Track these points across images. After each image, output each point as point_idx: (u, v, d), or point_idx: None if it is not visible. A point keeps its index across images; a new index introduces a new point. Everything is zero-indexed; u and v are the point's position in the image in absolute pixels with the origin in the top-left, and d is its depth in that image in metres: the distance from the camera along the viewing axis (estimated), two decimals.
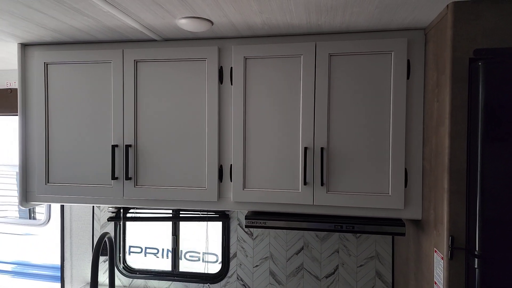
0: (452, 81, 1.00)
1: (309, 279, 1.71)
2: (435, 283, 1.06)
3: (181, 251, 2.63)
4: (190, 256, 2.68)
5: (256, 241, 1.75)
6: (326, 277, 1.69)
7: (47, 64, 1.44)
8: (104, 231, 1.46)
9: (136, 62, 1.39)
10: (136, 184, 1.39)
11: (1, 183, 3.57)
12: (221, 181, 1.38)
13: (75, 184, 1.42)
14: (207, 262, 1.93)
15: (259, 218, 1.35)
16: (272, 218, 1.34)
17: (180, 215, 1.85)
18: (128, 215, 1.88)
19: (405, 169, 1.24)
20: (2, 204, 3.54)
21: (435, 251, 1.07)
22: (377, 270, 1.64)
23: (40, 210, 3.49)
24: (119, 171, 1.38)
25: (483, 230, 0.91)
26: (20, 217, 3.36)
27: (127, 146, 1.37)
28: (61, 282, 1.91)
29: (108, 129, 1.41)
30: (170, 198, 1.38)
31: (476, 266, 0.90)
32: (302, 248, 1.71)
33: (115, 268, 1.88)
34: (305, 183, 1.28)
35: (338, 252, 1.68)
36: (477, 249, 0.91)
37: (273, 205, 1.35)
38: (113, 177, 1.37)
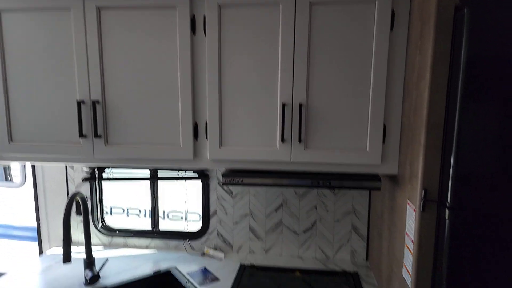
0: (435, 31, 0.95)
1: (287, 234, 1.75)
2: (407, 234, 1.09)
3: (164, 211, 2.63)
4: (172, 216, 2.69)
5: (236, 199, 1.76)
6: (304, 232, 1.73)
7: (0, 12, 1.29)
8: (80, 191, 1.41)
9: (99, 9, 1.26)
10: (106, 142, 1.33)
11: None
12: (196, 139, 1.33)
13: (41, 143, 1.34)
14: (187, 220, 1.94)
15: (236, 175, 1.33)
16: (249, 175, 1.32)
17: (158, 175, 1.82)
18: (104, 175, 1.83)
19: (384, 125, 1.22)
20: None
21: (408, 204, 1.08)
22: (353, 224, 1.69)
23: (16, 172, 3.39)
24: (87, 128, 1.31)
25: (455, 184, 0.92)
26: None
27: (94, 102, 1.29)
28: (38, 243, 1.89)
29: (73, 84, 1.31)
30: (144, 157, 1.33)
31: (446, 217, 0.92)
32: (281, 205, 1.73)
33: (94, 227, 1.87)
34: (282, 140, 1.25)
35: (316, 208, 1.71)
36: (448, 201, 0.92)
37: (251, 163, 1.32)
38: (81, 135, 1.30)
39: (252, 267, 1.63)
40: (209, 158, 1.32)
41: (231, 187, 1.75)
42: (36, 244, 1.92)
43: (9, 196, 3.15)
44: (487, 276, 0.91)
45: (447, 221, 0.93)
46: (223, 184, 1.32)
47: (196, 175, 1.77)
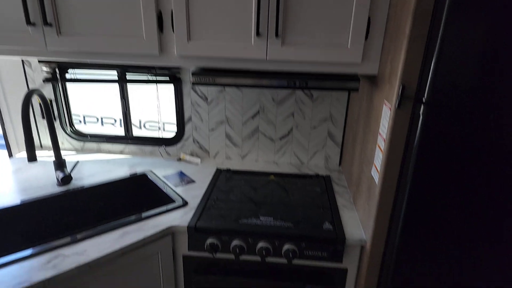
0: None
1: (264, 140, 1.74)
2: (380, 134, 1.07)
3: (140, 120, 2.56)
4: (150, 125, 2.64)
5: (211, 106, 1.69)
6: (280, 139, 1.73)
7: None
8: (38, 89, 1.30)
9: None
10: (59, 32, 1.17)
11: None
12: (162, 32, 1.19)
13: None
14: (165, 130, 1.90)
15: (208, 74, 1.24)
16: (222, 74, 1.23)
17: (127, 78, 1.70)
18: (68, 76, 1.70)
19: (369, 18, 1.10)
20: None
21: (385, 103, 1.04)
22: (329, 131, 1.69)
23: None
24: (35, 15, 1.14)
25: (434, 79, 0.87)
26: None
27: None
28: (7, 148, 1.84)
29: None
30: (103, 51, 1.20)
31: (421, 113, 0.89)
32: (258, 112, 1.68)
33: (64, 132, 1.81)
34: (258, 33, 1.13)
35: (293, 115, 1.67)
36: (425, 96, 0.88)
37: (223, 61, 1.22)
38: (28, 22, 1.13)
39: (228, 171, 1.65)
40: (176, 54, 1.20)
41: (205, 92, 1.67)
42: (5, 151, 1.87)
43: None
44: (454, 173, 0.93)
45: (420, 117, 0.90)
46: (193, 84, 1.24)
47: (167, 78, 1.66)
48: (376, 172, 1.09)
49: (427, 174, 0.95)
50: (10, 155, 1.81)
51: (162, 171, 1.62)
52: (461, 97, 0.86)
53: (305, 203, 1.38)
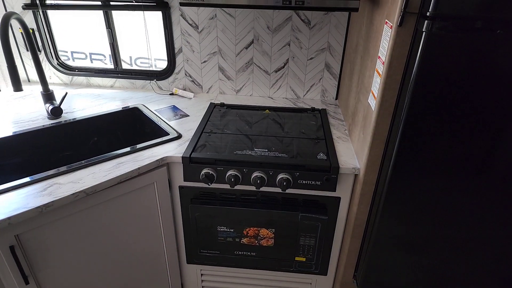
0: None
1: (258, 73, 1.68)
2: (379, 57, 1.02)
3: (130, 57, 2.45)
4: (141, 62, 2.54)
5: (203, 35, 1.60)
6: (276, 71, 1.66)
7: None
8: (15, 12, 1.21)
9: None
10: None
11: None
12: None
13: None
14: (156, 67, 1.82)
15: None
16: None
17: (111, 4, 1.57)
18: (48, 2, 1.57)
19: None
20: None
21: (386, 23, 0.97)
22: (326, 62, 1.62)
23: None
24: None
25: None
26: None
27: None
28: None
29: None
30: None
31: (423, 29, 0.83)
32: (252, 42, 1.60)
33: (50, 64, 1.73)
34: None
35: (289, 45, 1.59)
36: (430, 10, 0.81)
37: None
38: None
39: (222, 105, 1.61)
40: None
41: (195, 20, 1.56)
42: None
43: None
44: (454, 101, 0.90)
45: (424, 34, 0.84)
46: (180, 4, 1.14)
47: (153, 3, 1.54)
48: (373, 99, 1.06)
49: (425, 100, 0.91)
50: None
51: (154, 105, 1.58)
52: (468, 11, 0.80)
53: (300, 136, 1.37)
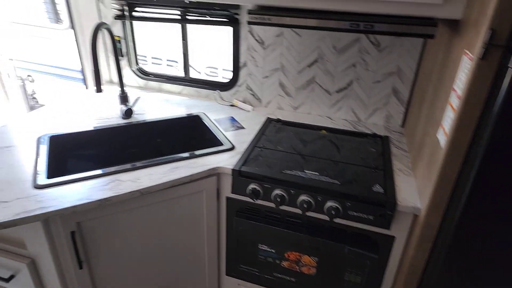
0: None
1: (319, 92, 1.64)
2: (454, 90, 0.92)
3: (201, 66, 2.59)
4: (210, 71, 2.67)
5: (267, 51, 1.62)
6: (338, 92, 1.61)
7: None
8: (105, 22, 1.37)
9: None
10: None
11: None
12: None
13: None
14: (224, 78, 1.89)
15: (264, 13, 1.16)
16: (278, 13, 1.14)
17: (188, 18, 1.68)
18: (135, 14, 1.74)
19: None
20: (27, 9, 3.51)
21: (465, 53, 0.87)
22: (394, 87, 1.52)
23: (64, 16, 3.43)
24: None
25: None
26: (50, 22, 3.39)
27: None
28: (84, 83, 2.02)
29: None
30: None
31: (510, 65, 0.72)
32: (316, 61, 1.57)
33: (130, 69, 1.91)
34: None
35: (355, 66, 1.52)
36: None
37: None
38: None
39: (278, 121, 1.61)
40: None
41: (262, 36, 1.59)
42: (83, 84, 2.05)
43: (61, 38, 3.29)
44: None
45: (509, 70, 0.73)
46: (248, 23, 1.17)
47: (226, 19, 1.61)
48: (443, 134, 0.95)
49: (507, 143, 0.79)
50: (87, 87, 1.99)
51: (214, 115, 1.65)
52: None
53: (357, 162, 1.30)
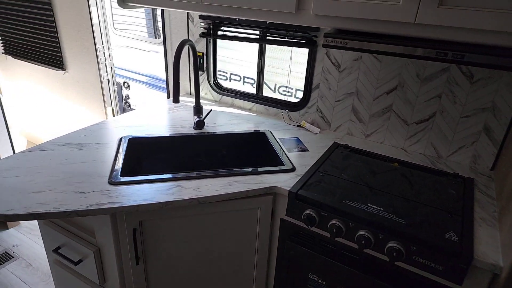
0: None
1: (395, 121, 1.52)
2: None
3: (275, 84, 2.64)
4: (283, 90, 2.70)
5: (343, 74, 1.57)
6: (417, 123, 1.47)
7: None
8: (190, 40, 1.49)
9: None
10: None
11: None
12: None
13: None
14: (296, 97, 1.90)
15: (341, 37, 1.13)
16: (356, 37, 1.10)
17: (267, 38, 1.73)
18: (219, 33, 1.86)
19: None
20: (132, 24, 4.03)
21: None
22: (486, 125, 1.33)
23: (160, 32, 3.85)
24: None
25: None
26: (148, 36, 3.84)
27: None
28: (167, 93, 2.21)
29: None
30: (245, 6, 1.24)
31: None
32: (396, 88, 1.47)
33: (208, 83, 2.03)
34: None
35: (440, 97, 1.38)
36: None
37: (363, 22, 1.08)
38: None
39: (346, 147, 1.53)
40: (313, 12, 1.13)
41: (339, 59, 1.55)
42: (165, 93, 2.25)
43: (156, 51, 3.70)
44: None
45: None
46: (323, 46, 1.15)
47: (303, 40, 1.61)
48: None
49: None
50: (168, 96, 2.18)
51: (280, 134, 1.64)
52: None
53: (430, 203, 1.16)
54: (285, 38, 1.67)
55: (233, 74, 2.96)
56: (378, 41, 1.07)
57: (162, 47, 3.75)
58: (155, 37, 3.92)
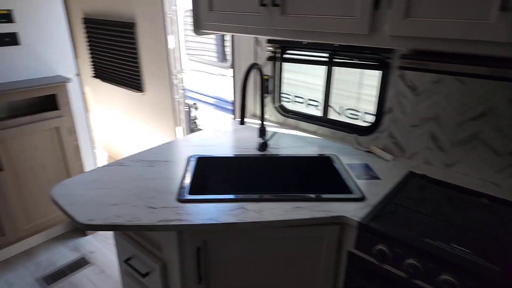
0: None
1: (483, 151, 1.34)
2: None
3: (342, 107, 2.57)
4: (350, 113, 2.61)
5: (420, 98, 1.45)
6: (511, 154, 1.28)
7: None
8: (258, 63, 1.52)
9: None
10: (283, 12, 1.29)
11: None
12: (376, 9, 1.09)
13: (229, 12, 1.45)
14: (365, 121, 1.81)
15: (421, 58, 1.04)
16: (438, 59, 1.01)
17: (335, 60, 1.70)
18: (285, 56, 1.88)
19: None
20: (202, 49, 4.31)
21: None
22: None
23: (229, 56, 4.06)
24: None
25: None
26: (217, 60, 4.07)
27: None
28: (233, 114, 2.27)
29: None
30: (315, 29, 1.22)
31: None
32: (484, 114, 1.30)
33: (272, 105, 2.04)
34: (503, 8, 0.84)
35: None
36: None
37: (447, 43, 0.99)
38: (261, 3, 1.30)
39: (424, 177, 1.39)
40: (389, 33, 1.07)
41: (415, 82, 1.44)
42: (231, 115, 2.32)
43: (223, 74, 3.89)
44: None
45: None
46: (399, 68, 1.08)
47: (375, 62, 1.54)
48: None
49: None
50: (234, 118, 2.24)
51: (347, 159, 1.56)
52: None
53: None
54: (355, 60, 1.62)
55: (297, 96, 2.95)
56: (464, 63, 0.97)
57: (228, 70, 3.94)
58: (223, 61, 4.14)
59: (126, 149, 3.60)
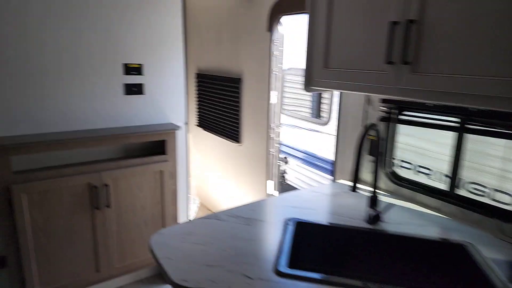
0: None
1: None
2: None
3: (461, 179, 2.18)
4: (473, 188, 2.17)
5: None
6: None
7: None
8: (375, 123, 1.35)
9: None
10: (414, 70, 1.13)
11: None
12: None
13: (348, 69, 1.35)
14: (497, 201, 1.45)
15: None
16: None
17: (468, 126, 1.43)
18: (401, 117, 1.68)
19: None
20: (298, 105, 4.34)
21: None
22: None
23: (324, 113, 3.99)
24: (397, 53, 1.16)
25: None
26: (311, 116, 4.03)
27: (409, 22, 1.11)
28: (332, 174, 2.09)
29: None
30: (457, 90, 1.03)
31: None
32: None
33: (382, 171, 1.81)
34: None
35: None
36: None
37: None
38: (388, 61, 1.17)
39: None
40: None
41: None
42: (330, 176, 2.14)
43: (316, 130, 3.79)
44: None
45: None
46: None
47: None
48: None
49: None
50: (334, 180, 2.06)
51: (489, 251, 1.21)
52: None
53: None
54: (498, 129, 1.33)
55: (405, 161, 2.63)
56: None
57: (323, 127, 3.83)
58: (317, 117, 4.08)
59: (216, 195, 3.65)
